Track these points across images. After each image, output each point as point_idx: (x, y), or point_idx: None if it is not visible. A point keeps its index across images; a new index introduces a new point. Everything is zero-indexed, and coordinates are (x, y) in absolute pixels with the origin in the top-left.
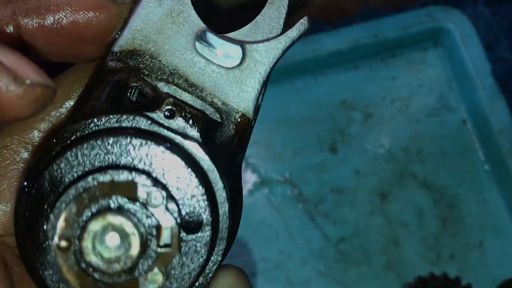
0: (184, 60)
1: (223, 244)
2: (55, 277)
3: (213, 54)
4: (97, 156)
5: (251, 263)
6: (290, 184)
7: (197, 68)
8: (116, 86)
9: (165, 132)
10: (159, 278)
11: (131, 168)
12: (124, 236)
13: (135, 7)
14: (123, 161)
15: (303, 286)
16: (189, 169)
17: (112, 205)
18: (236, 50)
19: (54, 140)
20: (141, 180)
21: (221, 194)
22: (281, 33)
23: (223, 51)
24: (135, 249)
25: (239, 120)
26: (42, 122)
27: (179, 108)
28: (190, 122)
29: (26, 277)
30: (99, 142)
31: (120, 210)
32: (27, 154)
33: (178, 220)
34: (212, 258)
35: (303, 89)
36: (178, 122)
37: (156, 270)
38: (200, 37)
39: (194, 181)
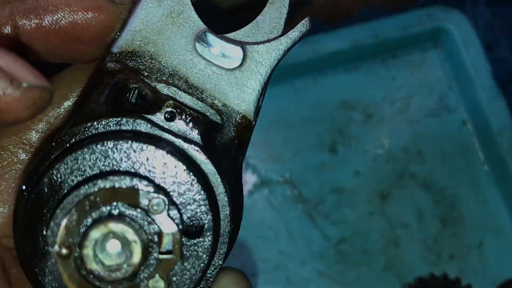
0: (184, 61)
1: (225, 248)
2: (54, 284)
3: (214, 55)
4: (97, 160)
5: (251, 264)
6: (290, 184)
7: (197, 69)
8: (115, 88)
9: (166, 135)
10: (161, 285)
11: (132, 174)
12: (126, 244)
13: (134, 8)
14: (123, 165)
15: (303, 287)
16: (190, 174)
17: (113, 212)
18: (237, 51)
19: (53, 143)
20: (142, 186)
21: (222, 198)
22: (282, 34)
23: (224, 52)
24: (136, 257)
25: (239, 121)
26: (40, 123)
27: (180, 110)
28: (191, 124)
29: (24, 279)
30: (99, 146)
31: (121, 217)
32: (25, 155)
33: (180, 226)
34: (213, 262)
35: (303, 89)
36: (179, 125)
37: (157, 277)
38: (201, 38)
39: (196, 185)
